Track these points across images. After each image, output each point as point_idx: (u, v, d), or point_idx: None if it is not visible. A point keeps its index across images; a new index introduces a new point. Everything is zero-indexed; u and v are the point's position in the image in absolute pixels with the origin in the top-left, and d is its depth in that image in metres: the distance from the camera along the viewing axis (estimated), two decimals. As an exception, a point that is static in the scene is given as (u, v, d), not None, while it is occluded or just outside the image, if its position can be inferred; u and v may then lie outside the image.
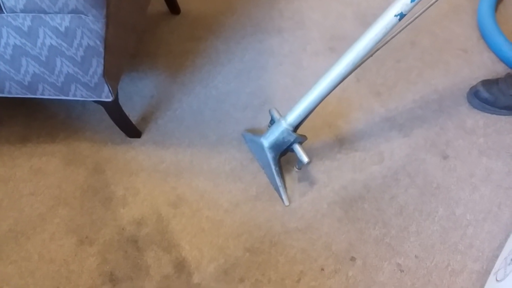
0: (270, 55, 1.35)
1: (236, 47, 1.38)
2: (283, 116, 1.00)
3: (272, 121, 1.06)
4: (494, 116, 1.18)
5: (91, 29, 0.82)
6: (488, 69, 1.28)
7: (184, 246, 0.99)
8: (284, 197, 1.04)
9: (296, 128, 1.00)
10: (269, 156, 1.03)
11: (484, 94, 1.16)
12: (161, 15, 1.47)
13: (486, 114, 1.18)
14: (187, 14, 1.47)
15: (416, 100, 1.22)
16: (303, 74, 1.30)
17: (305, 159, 0.98)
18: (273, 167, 1.04)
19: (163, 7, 1.46)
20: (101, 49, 0.87)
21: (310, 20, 1.44)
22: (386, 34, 0.82)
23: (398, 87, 1.25)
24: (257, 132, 1.13)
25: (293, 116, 0.97)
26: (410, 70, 1.28)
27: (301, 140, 1.01)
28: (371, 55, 0.88)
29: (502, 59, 1.29)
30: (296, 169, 1.10)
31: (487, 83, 1.17)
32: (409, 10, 0.79)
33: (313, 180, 1.08)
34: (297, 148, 1.00)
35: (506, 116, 1.17)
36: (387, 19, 0.80)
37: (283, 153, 1.05)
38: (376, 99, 1.22)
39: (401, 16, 0.79)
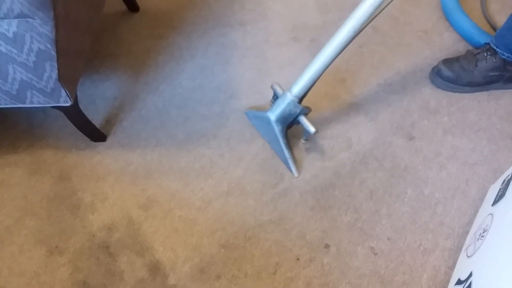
0: (233, 49, 1.34)
1: (198, 42, 1.36)
2: (287, 89, 1.03)
3: (276, 96, 1.08)
4: (457, 94, 1.20)
5: (40, 32, 0.79)
6: (448, 49, 1.30)
7: (158, 248, 0.98)
8: (293, 169, 1.07)
9: (301, 99, 1.03)
10: (276, 129, 1.04)
11: (446, 72, 1.17)
12: (119, 14, 1.43)
13: (449, 93, 1.20)
14: (146, 11, 1.44)
15: (380, 84, 1.23)
16: (268, 66, 1.29)
17: (312, 129, 1.01)
18: (281, 140, 1.05)
19: (121, 5, 1.43)
20: (53, 53, 0.84)
21: (272, 11, 1.43)
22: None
23: (362, 73, 1.25)
24: (260, 109, 1.15)
25: (298, 88, 1.00)
26: (372, 54, 1.29)
27: (307, 111, 1.04)
28: (372, 20, 0.91)
29: (464, 36, 1.31)
30: (303, 141, 1.12)
31: (448, 62, 1.19)
32: None
33: (283, 171, 1.08)
34: (303, 119, 1.03)
35: (469, 94, 1.20)
36: None
37: (289, 126, 1.08)
38: (341, 86, 1.23)
39: None
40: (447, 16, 1.36)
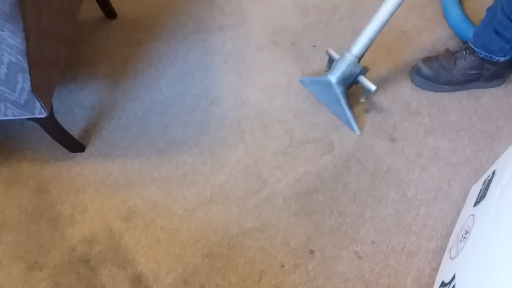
0: (214, 54, 1.33)
1: (178, 48, 1.34)
2: (346, 50, 1.07)
3: (331, 60, 1.13)
4: (438, 94, 1.20)
5: (10, 44, 0.77)
6: (428, 49, 1.30)
7: (140, 260, 0.96)
8: (355, 127, 1.11)
9: (359, 59, 1.07)
10: (338, 91, 1.08)
11: (426, 71, 1.18)
12: (97, 21, 1.41)
13: (429, 93, 1.20)
14: (124, 17, 1.42)
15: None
16: (249, 70, 1.28)
17: (372, 87, 1.06)
18: (342, 100, 1.09)
19: (98, 12, 1.40)
20: (25, 64, 0.82)
21: (252, 14, 1.42)
22: None
23: (343, 75, 1.25)
24: (316, 75, 1.19)
25: (358, 47, 1.04)
26: (353, 56, 1.29)
27: (365, 70, 1.09)
28: None
29: (456, 31, 1.32)
30: (363, 99, 1.15)
31: (428, 60, 1.20)
32: None
33: (267, 176, 1.07)
34: (363, 78, 1.08)
35: (449, 93, 1.20)
36: None
37: (349, 86, 1.12)
38: (323, 89, 1.22)
39: None
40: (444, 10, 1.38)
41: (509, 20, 1.01)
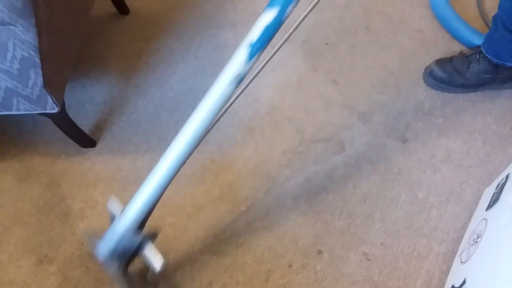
0: (225, 50, 1.32)
1: (190, 44, 1.34)
2: (122, 210, 0.75)
3: (112, 218, 0.78)
4: (451, 95, 1.18)
5: (22, 40, 0.78)
6: (443, 48, 1.28)
7: (148, 256, 0.96)
8: None
9: (142, 225, 0.75)
10: (111, 270, 0.75)
11: (439, 73, 1.16)
12: (109, 17, 1.41)
13: (443, 93, 1.18)
14: (136, 13, 1.42)
15: (373, 85, 1.21)
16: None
17: (158, 263, 0.72)
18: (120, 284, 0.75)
19: (111, 8, 1.41)
20: (37, 60, 0.82)
21: (264, 10, 1.41)
22: (225, 104, 0.66)
23: (355, 73, 1.24)
24: (92, 237, 0.80)
25: (130, 219, 0.72)
26: (366, 54, 1.28)
27: (151, 238, 0.77)
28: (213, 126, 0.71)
29: (457, 38, 1.29)
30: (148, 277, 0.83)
31: (441, 62, 1.18)
32: (247, 72, 0.63)
33: (276, 175, 1.07)
34: (147, 252, 0.74)
35: (463, 94, 1.18)
36: (223, 86, 0.64)
37: (130, 260, 0.78)
38: (334, 87, 1.21)
39: (239, 80, 0.64)
40: (437, 16, 1.34)
41: (510, 33, 1.00)
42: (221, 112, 0.67)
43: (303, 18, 0.66)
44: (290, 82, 1.23)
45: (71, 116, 1.05)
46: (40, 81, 0.87)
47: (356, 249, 0.95)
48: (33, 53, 0.81)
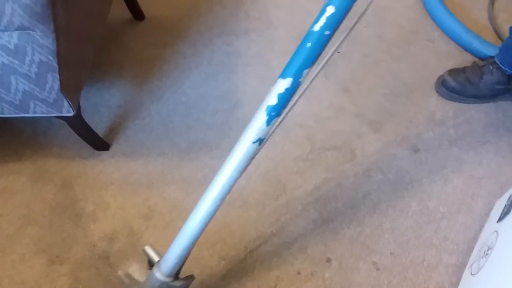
0: (238, 57, 1.34)
1: (203, 51, 1.35)
2: (159, 260, 0.80)
3: (151, 264, 0.84)
4: (464, 105, 1.18)
5: (41, 44, 0.80)
6: (455, 59, 1.28)
7: (158, 259, 0.97)
8: None
9: (177, 273, 0.80)
10: None
11: (451, 83, 1.16)
12: (125, 22, 1.44)
13: (455, 104, 1.18)
14: (152, 19, 1.45)
15: (385, 94, 1.21)
16: (272, 75, 1.29)
17: None
18: None
19: (127, 14, 1.43)
20: (55, 64, 0.84)
21: (277, 19, 1.43)
22: (249, 162, 0.72)
23: (366, 82, 1.24)
24: (133, 282, 0.85)
25: (169, 267, 0.78)
26: (378, 64, 1.28)
27: (187, 284, 0.84)
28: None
29: (465, 47, 1.29)
30: None
31: (454, 72, 1.18)
32: (268, 134, 0.69)
33: (286, 182, 1.07)
34: None
35: (476, 105, 1.18)
36: (245, 147, 0.70)
37: None
38: (346, 96, 1.22)
39: (260, 141, 0.70)
40: (442, 28, 1.33)
41: None
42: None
43: (322, 67, 0.69)
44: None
45: (86, 119, 1.07)
46: (57, 85, 0.89)
47: (365, 258, 0.95)
48: (51, 58, 0.83)
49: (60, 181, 1.10)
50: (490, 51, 1.21)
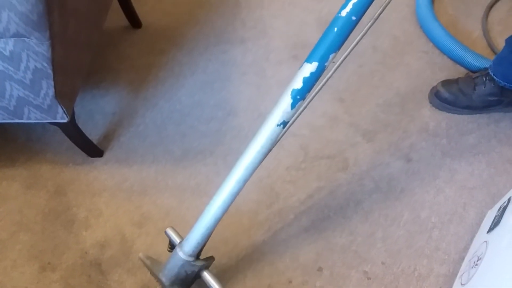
0: (233, 65, 1.35)
1: (199, 59, 1.36)
2: (181, 241, 0.84)
3: (172, 246, 0.88)
4: (457, 116, 1.19)
5: (36, 51, 0.80)
6: (449, 70, 1.29)
7: (150, 267, 0.97)
8: None
9: (198, 254, 0.84)
10: None
11: (444, 94, 1.17)
12: (122, 29, 1.45)
13: (448, 114, 1.19)
14: (148, 27, 1.46)
15: (379, 104, 1.22)
16: (267, 83, 1.30)
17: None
18: None
19: (124, 21, 1.44)
20: (50, 71, 0.85)
21: (273, 28, 1.44)
22: (273, 145, 0.74)
23: (361, 92, 1.25)
24: (154, 262, 0.89)
25: (191, 246, 0.81)
26: (372, 74, 1.29)
27: (208, 264, 0.87)
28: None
29: (457, 61, 1.30)
30: None
31: (447, 83, 1.19)
32: (292, 117, 0.71)
33: (279, 191, 1.08)
34: (207, 276, 0.84)
35: (468, 116, 1.18)
36: (270, 130, 0.72)
37: (192, 282, 0.87)
38: (340, 105, 1.22)
39: (284, 124, 0.71)
40: (434, 42, 1.34)
41: None
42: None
43: (338, 66, 0.70)
44: (296, 98, 1.25)
45: (80, 126, 1.07)
46: (51, 91, 0.89)
47: (357, 267, 0.95)
48: (46, 65, 0.83)
49: (53, 187, 1.10)
50: (483, 64, 1.22)
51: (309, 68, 0.67)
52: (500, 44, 1.33)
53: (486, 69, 1.14)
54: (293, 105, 0.69)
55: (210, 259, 0.87)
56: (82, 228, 1.03)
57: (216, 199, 0.78)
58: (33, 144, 1.18)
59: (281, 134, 0.73)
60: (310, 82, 0.67)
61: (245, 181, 0.76)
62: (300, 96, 0.68)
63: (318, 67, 0.66)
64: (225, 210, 0.79)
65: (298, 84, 0.67)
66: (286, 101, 0.69)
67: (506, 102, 1.14)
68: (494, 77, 1.10)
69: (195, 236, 0.80)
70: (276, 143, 0.74)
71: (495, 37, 1.38)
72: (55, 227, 1.04)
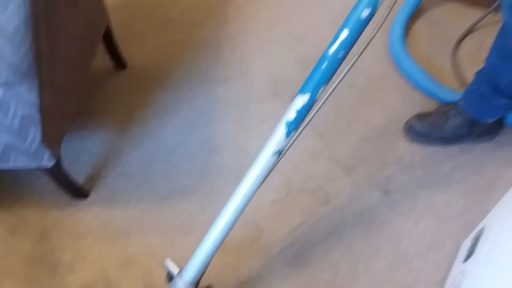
0: (217, 104, 1.39)
1: (183, 98, 1.40)
2: (179, 271, 0.86)
3: (170, 277, 0.89)
4: (431, 148, 1.24)
5: (25, 99, 0.83)
6: (422, 104, 1.35)
7: (136, 308, 0.97)
8: None
9: (197, 283, 0.86)
10: None
11: (418, 127, 1.22)
12: (107, 71, 1.48)
13: (422, 146, 1.24)
14: (133, 68, 1.50)
15: (357, 138, 1.27)
16: (250, 120, 1.34)
17: None
18: None
19: (109, 63, 1.48)
20: (37, 118, 0.87)
21: (254, 67, 1.49)
22: (269, 172, 0.79)
23: (339, 127, 1.30)
24: None
25: (191, 275, 0.84)
26: (349, 109, 1.34)
27: None
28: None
29: (429, 95, 1.36)
30: None
31: (421, 117, 1.24)
32: (287, 145, 0.76)
33: (264, 226, 1.10)
34: None
35: (442, 148, 1.24)
36: (266, 158, 0.77)
37: None
38: (320, 140, 1.27)
39: (279, 152, 0.76)
40: (407, 77, 1.41)
41: (493, 92, 1.06)
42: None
43: (334, 89, 0.75)
44: (277, 135, 1.29)
45: (65, 167, 1.09)
46: (38, 137, 0.91)
47: (341, 301, 0.97)
48: (34, 112, 0.86)
49: (37, 231, 1.10)
50: (454, 98, 1.29)
51: (301, 100, 0.72)
52: (469, 77, 1.41)
53: (456, 102, 1.20)
54: (287, 134, 0.75)
55: (209, 287, 0.90)
56: (67, 272, 1.03)
57: (215, 227, 0.82)
58: (18, 187, 1.19)
59: (276, 162, 0.78)
60: (303, 113, 0.74)
61: (242, 209, 0.81)
62: (293, 126, 0.74)
63: (309, 99, 0.72)
64: (224, 237, 0.83)
65: (291, 115, 0.74)
66: (281, 131, 0.75)
67: (476, 134, 1.20)
68: (464, 111, 1.16)
69: (195, 265, 0.84)
70: (272, 171, 0.80)
71: (465, 70, 1.45)
72: (40, 272, 1.04)
